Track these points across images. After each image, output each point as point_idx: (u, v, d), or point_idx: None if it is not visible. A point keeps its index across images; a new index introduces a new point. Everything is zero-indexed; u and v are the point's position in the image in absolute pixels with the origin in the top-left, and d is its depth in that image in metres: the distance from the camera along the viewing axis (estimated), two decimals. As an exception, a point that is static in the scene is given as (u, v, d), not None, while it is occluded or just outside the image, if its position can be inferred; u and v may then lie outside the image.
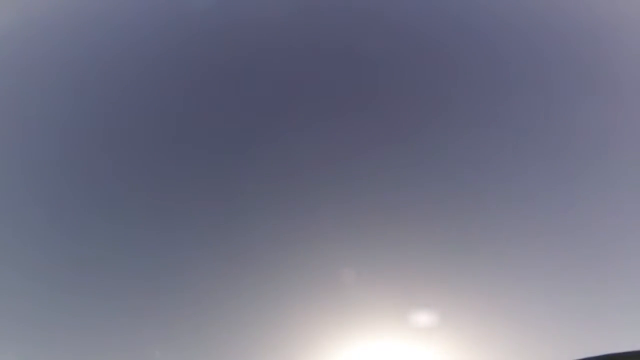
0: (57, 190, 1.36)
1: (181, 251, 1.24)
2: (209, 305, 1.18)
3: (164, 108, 1.54)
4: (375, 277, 1.28)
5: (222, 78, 1.62)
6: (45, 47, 1.68)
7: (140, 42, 1.69)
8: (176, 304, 1.21)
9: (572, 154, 1.67)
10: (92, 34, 1.72)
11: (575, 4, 2.04)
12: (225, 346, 1.14)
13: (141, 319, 1.19)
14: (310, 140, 1.44)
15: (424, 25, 1.89)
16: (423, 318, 1.27)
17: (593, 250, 1.42)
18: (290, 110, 1.50)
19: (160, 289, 1.24)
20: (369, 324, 1.23)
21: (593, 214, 1.50)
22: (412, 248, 1.35)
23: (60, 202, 1.32)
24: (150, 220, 1.31)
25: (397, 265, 1.31)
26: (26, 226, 1.32)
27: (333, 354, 1.19)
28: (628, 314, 1.33)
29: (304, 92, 1.57)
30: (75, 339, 1.15)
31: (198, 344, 1.13)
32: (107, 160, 1.40)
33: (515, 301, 1.31)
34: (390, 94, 1.62)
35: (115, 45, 1.66)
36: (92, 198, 1.34)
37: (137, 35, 1.71)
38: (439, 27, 1.90)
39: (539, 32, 1.92)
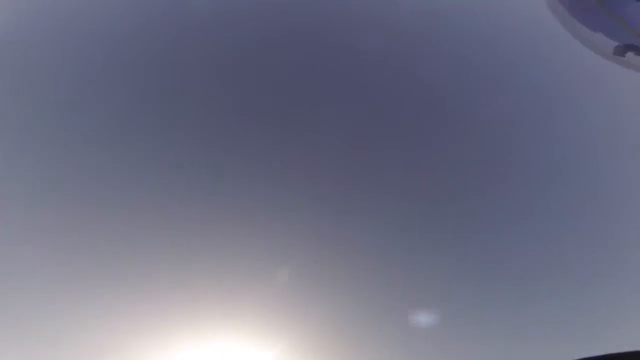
0: (57, 194, 1.36)
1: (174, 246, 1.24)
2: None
3: (162, 107, 1.54)
4: (373, 276, 1.28)
5: (218, 75, 1.63)
6: (44, 44, 1.69)
7: (138, 38, 1.70)
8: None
9: (573, 153, 1.67)
10: (90, 31, 1.73)
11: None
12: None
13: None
14: (307, 138, 1.45)
15: (424, 24, 1.89)
16: (420, 318, 1.27)
17: (593, 249, 1.41)
18: (286, 108, 1.50)
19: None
20: (364, 323, 1.23)
21: (593, 213, 1.50)
22: (410, 247, 1.35)
23: (61, 206, 1.33)
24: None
25: (394, 265, 1.31)
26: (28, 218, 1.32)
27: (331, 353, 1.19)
28: (628, 314, 1.32)
29: (298, 89, 1.58)
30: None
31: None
32: (106, 151, 1.41)
33: (513, 301, 1.31)
34: (387, 94, 1.62)
35: (113, 41, 1.67)
36: (92, 198, 1.34)
37: (135, 31, 1.72)
38: (440, 27, 1.90)
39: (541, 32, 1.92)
